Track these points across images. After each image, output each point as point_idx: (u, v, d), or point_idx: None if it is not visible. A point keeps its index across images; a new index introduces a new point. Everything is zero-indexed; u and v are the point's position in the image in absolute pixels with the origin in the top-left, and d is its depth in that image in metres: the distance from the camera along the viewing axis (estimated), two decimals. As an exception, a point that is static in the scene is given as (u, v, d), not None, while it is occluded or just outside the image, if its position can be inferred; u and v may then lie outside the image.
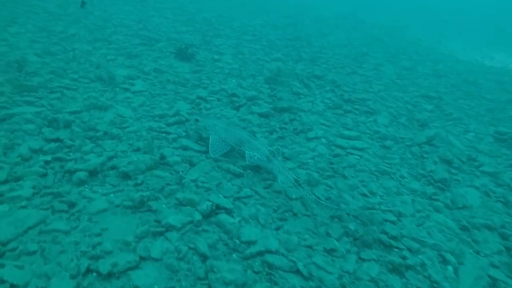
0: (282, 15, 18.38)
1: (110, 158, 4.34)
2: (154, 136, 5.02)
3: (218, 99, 6.60)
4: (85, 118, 5.14)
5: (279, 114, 6.46)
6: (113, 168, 4.17)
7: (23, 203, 3.48)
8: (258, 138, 5.26)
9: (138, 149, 4.63)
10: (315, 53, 11.41)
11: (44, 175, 3.92)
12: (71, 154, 4.35)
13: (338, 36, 15.16)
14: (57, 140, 4.54)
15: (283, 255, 3.50)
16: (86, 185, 3.90)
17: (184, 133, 5.27)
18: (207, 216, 3.77)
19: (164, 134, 5.09)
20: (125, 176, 4.08)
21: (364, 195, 4.83)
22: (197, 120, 5.05)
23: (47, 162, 4.12)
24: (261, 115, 6.29)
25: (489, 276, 3.74)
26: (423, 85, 10.50)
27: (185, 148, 4.85)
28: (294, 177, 4.12)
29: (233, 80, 7.67)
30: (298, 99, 7.29)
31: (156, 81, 7.03)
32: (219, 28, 12.42)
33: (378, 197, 4.87)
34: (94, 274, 2.92)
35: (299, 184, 4.04)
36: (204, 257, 3.28)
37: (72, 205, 3.58)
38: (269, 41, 11.70)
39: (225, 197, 4.12)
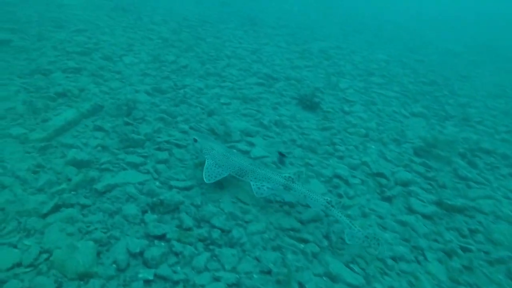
0: (405, 47, 16.32)
1: (231, 287, 3.09)
2: (287, 245, 3.67)
3: (362, 181, 5.07)
4: (196, 200, 4.04)
5: (449, 217, 4.67)
6: (236, 311, 2.90)
7: None
8: (267, 165, 4.54)
9: (268, 272, 3.32)
10: (463, 106, 9.24)
11: (143, 311, 2.80)
12: (178, 268, 3.21)
13: (483, 81, 12.61)
14: (164, 237, 3.47)
15: None
16: None
17: (326, 242, 3.84)
18: None
19: (302, 245, 3.71)
20: (254, 334, 2.76)
21: None
22: (195, 140, 4.47)
23: (147, 282, 3.02)
24: (424, 216, 4.58)
25: None
26: None
27: (334, 279, 3.39)
28: (326, 199, 3.83)
29: (373, 147, 6.09)
30: (467, 189, 5.39)
31: (279, 140, 5.80)
32: (339, 63, 11.01)
33: None
34: None
35: (332, 206, 3.80)
36: None
37: None
38: (401, 86, 9.89)
39: None
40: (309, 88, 7.72)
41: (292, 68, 9.63)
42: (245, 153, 5.25)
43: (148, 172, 4.43)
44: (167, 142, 5.09)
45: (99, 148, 4.72)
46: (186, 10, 14.19)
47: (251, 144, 5.50)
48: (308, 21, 17.51)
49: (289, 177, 4.03)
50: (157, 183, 4.29)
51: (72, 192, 3.89)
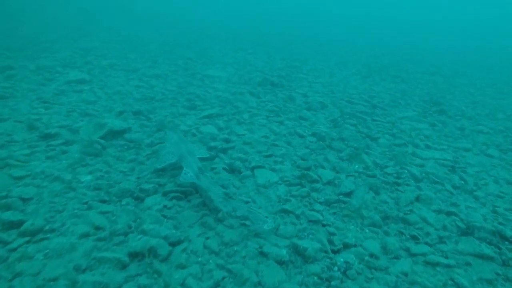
0: None
1: None
2: None
3: None
4: None
5: None
6: None
7: None
8: (195, 154, 4.87)
9: None
10: None
11: None
12: None
13: None
14: None
15: None
16: None
17: None
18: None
19: None
20: None
21: None
22: (165, 133, 5.48)
23: None
24: None
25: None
26: None
27: None
28: (224, 190, 4.27)
29: None
30: None
31: None
32: None
33: None
34: None
35: (230, 197, 4.26)
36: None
37: None
38: None
39: None
40: None
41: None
42: None
43: None
44: None
45: None
46: (350, 86, 11.94)
47: None
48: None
49: (200, 168, 4.46)
50: None
51: None
